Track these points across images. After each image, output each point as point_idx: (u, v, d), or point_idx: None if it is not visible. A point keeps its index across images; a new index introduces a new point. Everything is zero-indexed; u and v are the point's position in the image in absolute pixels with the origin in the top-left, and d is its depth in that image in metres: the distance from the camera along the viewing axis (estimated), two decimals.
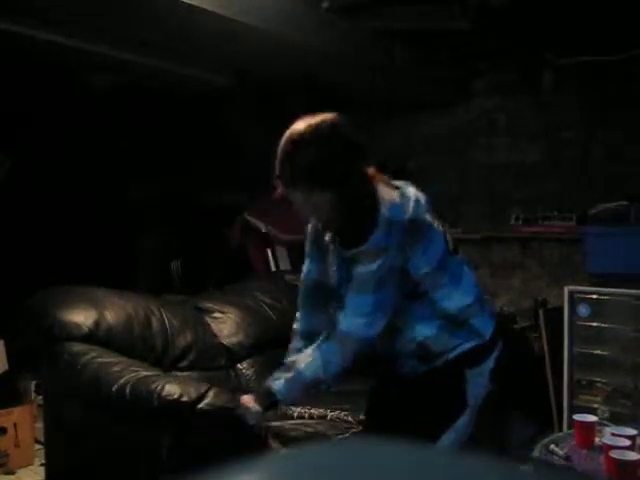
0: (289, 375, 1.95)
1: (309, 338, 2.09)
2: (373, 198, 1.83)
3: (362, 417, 2.60)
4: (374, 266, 1.81)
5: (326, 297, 2.06)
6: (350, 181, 1.82)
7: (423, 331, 1.91)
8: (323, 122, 1.82)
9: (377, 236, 1.79)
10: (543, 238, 4.12)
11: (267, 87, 4.50)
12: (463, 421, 1.96)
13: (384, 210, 1.80)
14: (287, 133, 1.85)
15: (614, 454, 2.14)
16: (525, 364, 3.70)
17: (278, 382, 1.96)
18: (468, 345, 1.94)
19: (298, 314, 2.17)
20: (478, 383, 1.98)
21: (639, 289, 3.25)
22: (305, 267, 2.12)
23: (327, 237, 1.99)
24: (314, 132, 1.80)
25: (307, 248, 2.12)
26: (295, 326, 2.18)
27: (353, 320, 1.88)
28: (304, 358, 1.96)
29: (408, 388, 1.99)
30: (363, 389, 3.26)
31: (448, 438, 1.93)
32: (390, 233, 1.78)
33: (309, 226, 2.10)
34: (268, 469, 0.62)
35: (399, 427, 1.68)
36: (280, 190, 1.89)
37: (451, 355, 1.93)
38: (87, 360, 2.45)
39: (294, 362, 1.98)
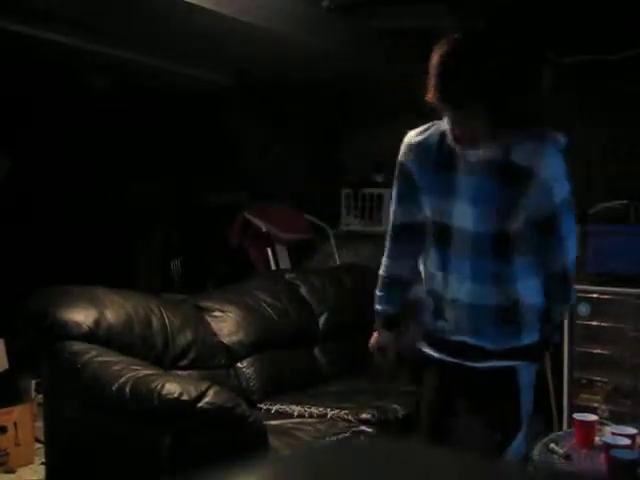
0: None
1: (391, 285, 2.02)
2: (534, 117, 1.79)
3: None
4: (564, 191, 1.75)
5: (414, 243, 1.94)
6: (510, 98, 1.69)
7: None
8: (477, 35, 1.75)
9: (557, 156, 1.72)
10: None
11: (267, 87, 4.50)
12: (518, 441, 1.85)
13: (556, 135, 1.74)
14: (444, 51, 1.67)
15: (614, 453, 2.14)
16: None
17: None
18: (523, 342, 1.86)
19: (384, 260, 2.05)
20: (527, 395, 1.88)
21: (639, 288, 3.25)
22: (395, 210, 1.96)
23: (474, 158, 1.76)
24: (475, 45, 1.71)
25: (400, 189, 1.94)
26: (380, 272, 2.06)
27: (574, 244, 1.82)
28: None
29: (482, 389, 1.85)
30: (363, 388, 3.28)
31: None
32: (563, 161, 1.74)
33: (410, 162, 1.90)
34: (268, 469, 0.62)
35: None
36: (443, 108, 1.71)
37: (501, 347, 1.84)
38: (87, 359, 2.45)
39: None
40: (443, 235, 1.83)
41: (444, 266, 1.84)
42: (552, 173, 1.72)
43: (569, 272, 1.83)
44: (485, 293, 1.80)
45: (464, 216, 1.78)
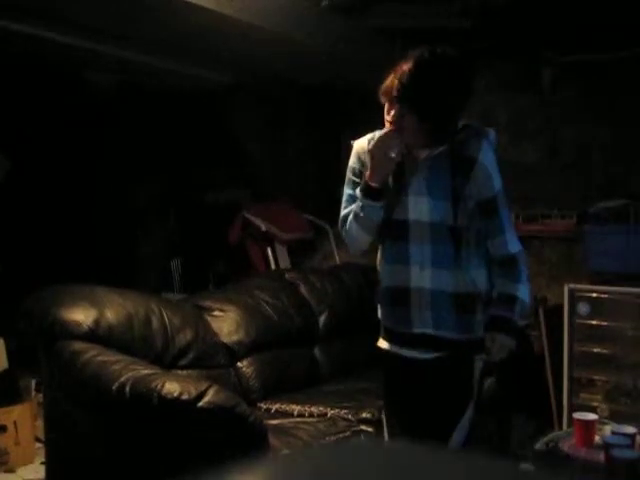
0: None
1: None
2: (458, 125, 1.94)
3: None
4: (500, 183, 1.96)
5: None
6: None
7: (479, 278, 1.98)
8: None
9: (491, 150, 1.93)
10: (543, 236, 4.11)
11: (267, 86, 4.50)
12: (468, 416, 1.98)
13: (489, 131, 1.95)
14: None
15: (614, 452, 2.15)
16: (525, 362, 3.70)
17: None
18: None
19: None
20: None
21: (639, 287, 3.26)
22: (347, 208, 2.08)
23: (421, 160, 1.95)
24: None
25: (352, 191, 2.04)
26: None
27: (515, 236, 1.99)
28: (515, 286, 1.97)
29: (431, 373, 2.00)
30: (363, 388, 3.28)
31: (456, 436, 1.95)
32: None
33: (360, 166, 2.05)
34: (268, 469, 0.62)
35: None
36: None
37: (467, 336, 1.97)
38: (87, 358, 2.45)
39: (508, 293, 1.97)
40: (400, 229, 1.96)
41: (405, 258, 1.96)
42: (490, 162, 1.94)
43: (515, 258, 1.99)
44: (445, 279, 1.94)
45: (419, 209, 1.94)
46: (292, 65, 3.89)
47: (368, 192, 1.93)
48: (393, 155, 1.89)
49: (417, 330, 1.97)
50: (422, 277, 1.93)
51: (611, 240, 3.45)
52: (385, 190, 1.95)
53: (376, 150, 1.90)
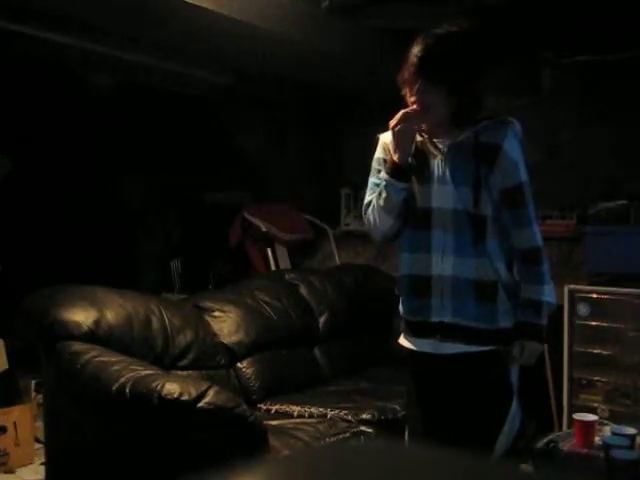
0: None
1: None
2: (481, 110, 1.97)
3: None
4: (526, 174, 1.95)
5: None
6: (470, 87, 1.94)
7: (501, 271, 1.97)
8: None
9: (516, 140, 1.94)
10: (543, 237, 4.11)
11: (267, 86, 4.50)
12: (511, 418, 1.98)
13: (514, 121, 1.96)
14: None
15: (614, 453, 2.14)
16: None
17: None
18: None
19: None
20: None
21: (639, 288, 3.25)
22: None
23: (441, 147, 1.97)
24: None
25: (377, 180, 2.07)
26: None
27: (539, 232, 2.00)
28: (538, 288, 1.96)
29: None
30: (363, 388, 3.28)
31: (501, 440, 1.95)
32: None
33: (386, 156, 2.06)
34: (268, 469, 0.62)
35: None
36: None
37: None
38: (87, 359, 2.45)
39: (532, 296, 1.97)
40: (423, 217, 1.97)
41: (426, 246, 1.96)
42: (515, 151, 1.93)
43: (540, 252, 2.01)
44: (467, 266, 1.93)
45: (443, 196, 1.94)
46: (292, 65, 3.89)
47: (393, 171, 1.95)
48: (415, 127, 1.94)
49: (435, 319, 1.96)
50: (443, 265, 1.93)
51: (611, 241, 3.45)
52: (409, 176, 1.97)
53: (396, 124, 1.93)
